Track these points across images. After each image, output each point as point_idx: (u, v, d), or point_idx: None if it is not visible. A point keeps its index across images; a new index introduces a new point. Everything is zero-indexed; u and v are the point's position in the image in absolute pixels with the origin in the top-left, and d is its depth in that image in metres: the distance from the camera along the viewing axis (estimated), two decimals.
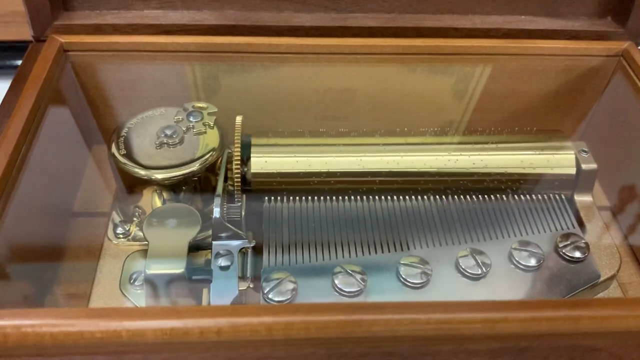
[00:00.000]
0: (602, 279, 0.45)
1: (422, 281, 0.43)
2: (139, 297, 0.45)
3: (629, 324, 0.34)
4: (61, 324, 0.31)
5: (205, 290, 0.42)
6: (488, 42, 0.54)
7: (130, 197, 0.49)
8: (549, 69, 0.56)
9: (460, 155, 0.49)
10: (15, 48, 0.70)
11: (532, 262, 0.45)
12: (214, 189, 0.46)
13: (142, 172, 0.46)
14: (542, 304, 0.34)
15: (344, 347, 0.34)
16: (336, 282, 0.42)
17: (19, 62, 0.70)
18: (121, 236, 0.49)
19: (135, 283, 0.45)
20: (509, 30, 0.54)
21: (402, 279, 0.43)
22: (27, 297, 0.44)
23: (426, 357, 0.35)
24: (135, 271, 0.46)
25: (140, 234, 0.48)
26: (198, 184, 0.47)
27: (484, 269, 0.44)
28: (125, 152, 0.47)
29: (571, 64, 0.55)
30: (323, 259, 0.45)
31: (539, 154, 0.50)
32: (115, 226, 0.49)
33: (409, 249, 0.46)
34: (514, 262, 0.45)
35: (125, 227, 0.49)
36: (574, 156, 0.50)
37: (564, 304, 0.34)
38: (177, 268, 0.41)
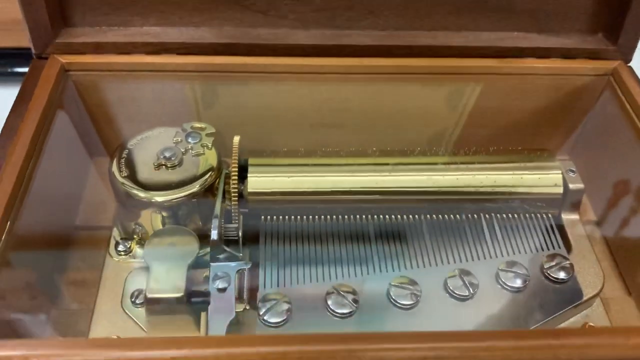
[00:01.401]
0: (585, 298, 0.47)
1: (411, 302, 0.45)
2: (140, 315, 0.46)
3: (608, 352, 0.35)
4: (66, 353, 0.33)
5: (203, 313, 0.44)
6: (480, 61, 0.55)
7: (131, 214, 0.50)
8: (540, 87, 0.57)
9: (449, 175, 0.50)
10: (17, 55, 0.72)
11: (518, 283, 0.47)
12: (212, 208, 0.47)
13: (142, 195, 0.47)
14: (524, 334, 0.36)
15: None
16: (329, 303, 0.44)
17: (20, 69, 0.72)
18: (122, 253, 0.50)
19: (137, 301, 0.47)
20: (501, 48, 0.55)
21: (392, 300, 0.45)
22: (30, 311, 0.46)
23: None
24: (136, 289, 0.47)
25: (141, 251, 0.50)
26: (197, 204, 0.49)
27: (471, 290, 0.46)
28: (125, 174, 0.48)
29: (561, 83, 0.56)
30: (317, 280, 0.46)
31: (527, 174, 0.51)
32: (117, 244, 0.51)
33: (400, 269, 0.48)
34: (501, 282, 0.47)
35: (126, 244, 0.51)
36: (561, 176, 0.51)
37: (545, 333, 0.36)
38: (176, 292, 0.42)
